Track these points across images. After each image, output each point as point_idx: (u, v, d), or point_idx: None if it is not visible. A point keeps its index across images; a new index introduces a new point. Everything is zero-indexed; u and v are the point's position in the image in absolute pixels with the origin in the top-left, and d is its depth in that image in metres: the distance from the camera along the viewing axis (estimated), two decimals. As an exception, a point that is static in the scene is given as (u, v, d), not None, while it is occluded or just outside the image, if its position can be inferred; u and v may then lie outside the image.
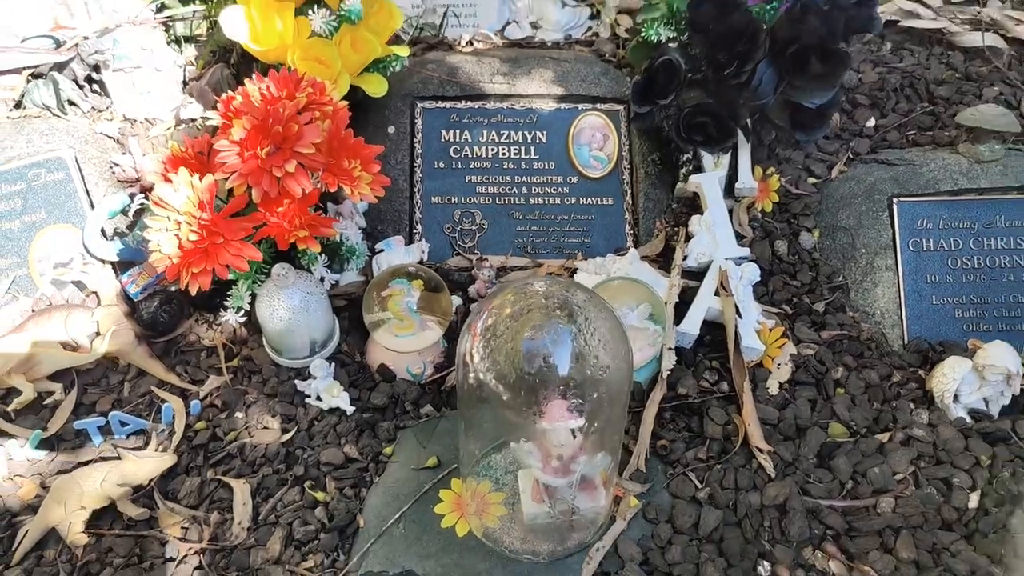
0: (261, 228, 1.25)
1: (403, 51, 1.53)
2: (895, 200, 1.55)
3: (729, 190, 1.63)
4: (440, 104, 1.65)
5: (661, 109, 1.49)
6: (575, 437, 1.00)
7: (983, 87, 1.84)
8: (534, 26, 2.04)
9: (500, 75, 1.68)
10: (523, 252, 1.59)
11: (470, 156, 1.63)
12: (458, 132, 1.64)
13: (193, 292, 1.23)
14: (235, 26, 1.40)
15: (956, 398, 1.32)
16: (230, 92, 1.28)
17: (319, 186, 1.27)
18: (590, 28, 2.07)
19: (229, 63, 1.70)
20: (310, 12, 1.41)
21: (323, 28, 1.42)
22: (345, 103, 1.34)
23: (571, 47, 1.97)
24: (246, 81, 1.27)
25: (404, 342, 1.35)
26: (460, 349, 0.97)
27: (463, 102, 1.66)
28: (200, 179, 1.21)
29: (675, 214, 1.66)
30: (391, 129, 1.61)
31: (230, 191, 1.23)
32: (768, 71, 1.34)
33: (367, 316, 1.33)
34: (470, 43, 1.97)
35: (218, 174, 1.22)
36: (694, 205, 1.61)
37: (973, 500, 1.18)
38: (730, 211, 1.63)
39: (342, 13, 1.41)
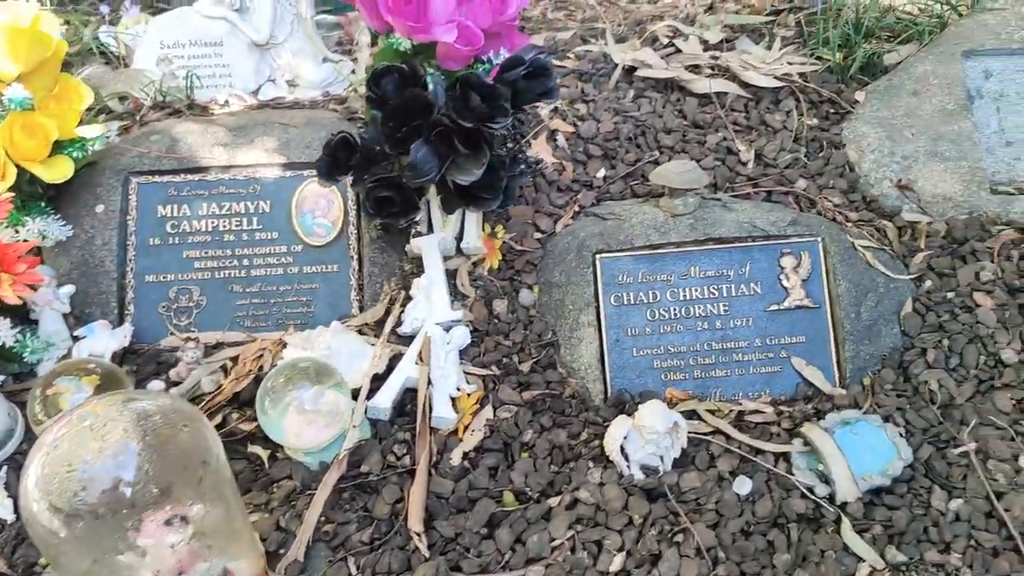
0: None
1: (94, 130, 1.49)
2: (597, 256, 1.57)
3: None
4: (157, 179, 1.62)
5: (356, 182, 1.49)
6: (176, 549, 0.99)
7: (708, 134, 1.88)
8: (291, 84, 2.02)
9: (222, 145, 1.65)
10: (243, 326, 1.57)
11: (188, 231, 1.60)
12: (176, 207, 1.61)
13: None
14: None
15: (627, 455, 1.35)
16: None
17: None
18: (351, 84, 2.05)
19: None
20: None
21: (-8, 118, 1.37)
22: (9, 198, 1.29)
23: (327, 105, 1.95)
24: None
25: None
26: (21, 502, 0.93)
27: (181, 175, 1.62)
28: None
29: (405, 276, 1.65)
30: (99, 208, 1.57)
31: None
32: (423, 149, 1.34)
33: (31, 419, 1.29)
34: (226, 103, 1.93)
35: None
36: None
37: (617, 562, 1.20)
38: (456, 271, 1.64)
39: (8, 102, 1.36)
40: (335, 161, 1.38)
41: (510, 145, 1.53)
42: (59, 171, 1.44)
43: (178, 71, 1.87)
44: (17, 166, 1.37)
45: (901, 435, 1.40)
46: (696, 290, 1.56)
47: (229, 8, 1.89)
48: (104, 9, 2.10)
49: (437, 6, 1.44)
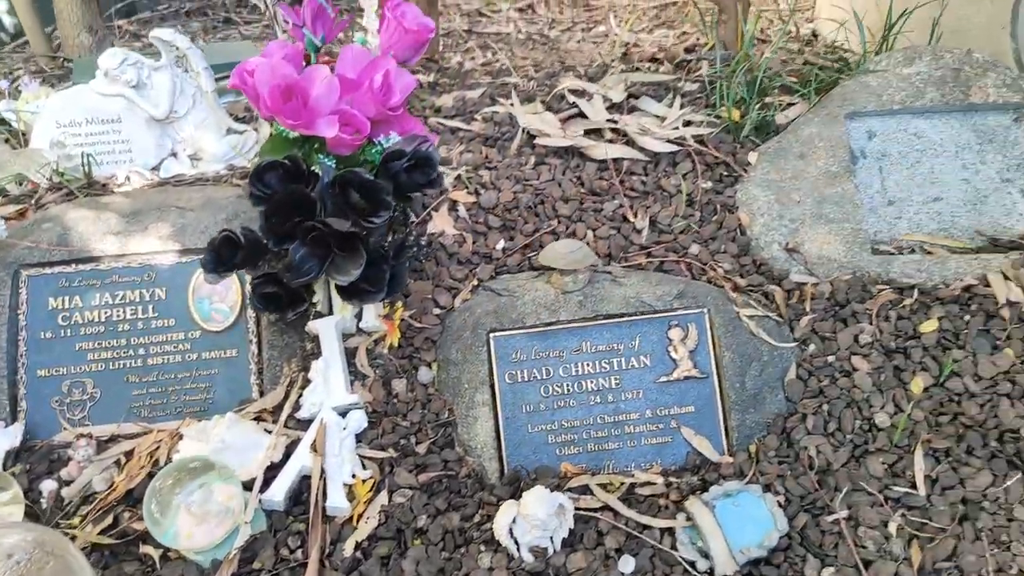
0: None
1: (-17, 233, 1.47)
2: (491, 334, 1.60)
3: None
4: (48, 270, 1.60)
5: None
6: None
7: (605, 201, 1.93)
8: (194, 158, 2.00)
9: (115, 233, 1.64)
10: (140, 417, 1.56)
11: (81, 322, 1.58)
12: (67, 298, 1.59)
13: None
14: None
15: (516, 539, 1.37)
16: None
17: None
18: (256, 155, 2.04)
19: None
20: None
21: None
22: None
23: (231, 179, 1.94)
24: None
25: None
26: None
27: (73, 265, 1.61)
28: None
29: (305, 356, 1.66)
30: (-10, 305, 1.54)
31: None
32: (302, 251, 1.35)
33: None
34: (127, 179, 1.91)
35: None
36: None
37: (502, 654, 1.22)
38: (356, 350, 1.65)
39: None
40: (219, 259, 1.39)
41: (396, 235, 1.55)
42: (-62, 276, 1.42)
43: (74, 151, 1.84)
44: None
45: (780, 504, 1.45)
46: (588, 365, 1.60)
47: (126, 85, 1.87)
48: (3, 84, 2.06)
49: (319, 101, 1.45)
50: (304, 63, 1.60)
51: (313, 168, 1.51)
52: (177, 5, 3.72)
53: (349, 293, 1.44)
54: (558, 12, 4.71)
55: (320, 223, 1.33)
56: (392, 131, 1.60)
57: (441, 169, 1.97)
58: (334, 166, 1.55)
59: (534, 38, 4.12)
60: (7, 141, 1.97)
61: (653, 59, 2.87)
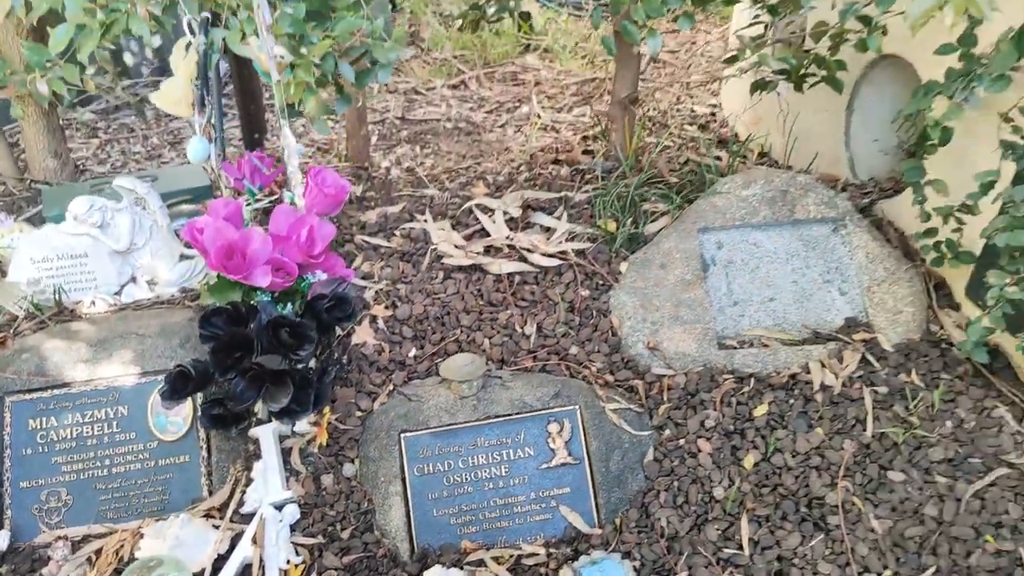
0: None
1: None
2: (402, 435, 1.91)
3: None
4: (28, 396, 1.86)
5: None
6: None
7: (500, 311, 2.26)
8: (151, 283, 2.28)
9: (85, 361, 1.91)
10: (107, 519, 1.81)
11: (56, 439, 1.84)
12: (45, 419, 1.85)
13: None
14: None
15: (421, 610, 1.66)
16: None
17: None
18: (205, 274, 2.33)
19: None
20: None
21: None
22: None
23: (184, 303, 2.22)
24: None
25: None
26: None
27: (50, 391, 1.87)
28: None
29: (249, 457, 1.94)
30: (-22, 429, 1.79)
31: None
32: (242, 384, 1.65)
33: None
34: (92, 304, 2.18)
35: None
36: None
37: None
38: (291, 450, 1.94)
39: None
40: (175, 389, 1.67)
41: (320, 362, 1.85)
42: (-62, 414, 1.67)
43: (47, 283, 2.10)
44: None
45: (635, 568, 1.77)
46: (482, 457, 1.91)
47: (92, 226, 2.15)
48: (-21, 223, 2.32)
49: (255, 255, 1.76)
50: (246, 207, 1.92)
51: (252, 302, 1.81)
52: (124, 97, 3.99)
53: (281, 414, 1.74)
54: (488, 88, 5.09)
55: (256, 364, 1.63)
56: (319, 270, 1.91)
57: (364, 283, 2.29)
58: (270, 299, 1.86)
59: (460, 126, 4.47)
60: (-15, 273, 2.22)
61: (555, 161, 3.26)
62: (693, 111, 4.26)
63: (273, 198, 2.19)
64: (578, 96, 4.94)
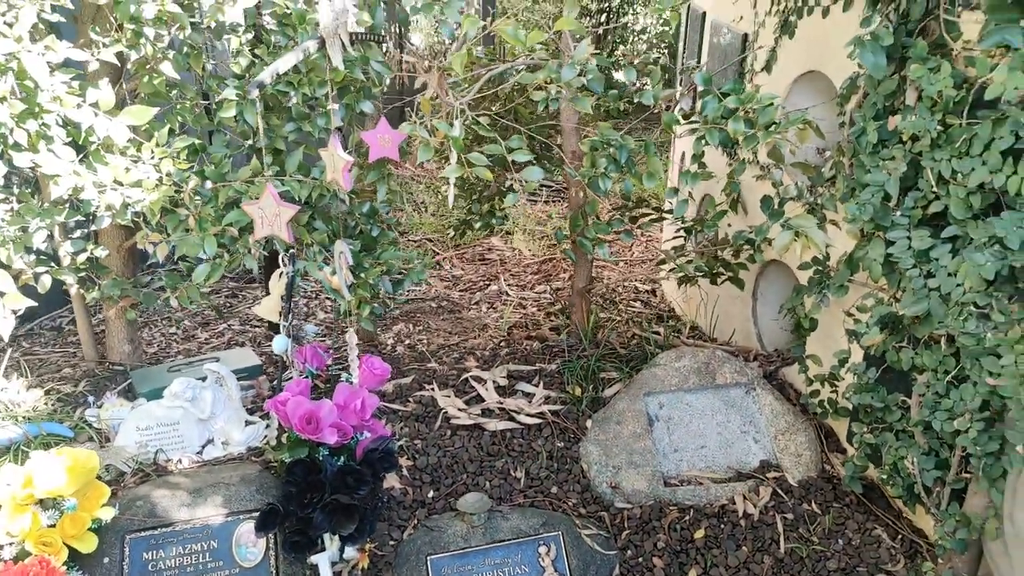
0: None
1: (108, 513, 2.21)
2: (428, 557, 2.40)
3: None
4: (142, 534, 2.32)
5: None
6: None
7: (496, 460, 2.82)
8: (224, 444, 2.80)
9: (186, 505, 2.39)
10: (200, 631, 2.24)
11: (163, 568, 2.29)
12: (155, 552, 2.30)
13: None
14: (-11, 530, 2.03)
15: None
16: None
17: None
18: (265, 437, 2.86)
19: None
20: (45, 510, 2.07)
21: (51, 519, 2.07)
22: (65, 568, 1.98)
23: (250, 459, 2.73)
24: (-5, 579, 1.88)
25: None
26: None
27: (159, 529, 2.34)
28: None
29: (309, 580, 2.39)
30: (106, 560, 2.25)
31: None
32: (320, 515, 2.17)
33: None
34: (180, 462, 2.68)
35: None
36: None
37: None
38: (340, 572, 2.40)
39: (63, 509, 2.08)
40: (265, 522, 2.17)
41: (371, 496, 2.38)
42: (90, 544, 2.13)
43: (149, 446, 2.61)
44: (65, 543, 2.07)
45: (609, 656, 2.24)
46: (489, 573, 2.40)
47: (184, 400, 2.70)
48: (91, 399, 2.85)
49: (324, 420, 2.33)
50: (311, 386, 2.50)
51: (317, 458, 2.35)
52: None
53: (348, 539, 2.24)
54: (460, 268, 5.79)
55: (333, 499, 2.16)
56: (366, 431, 2.47)
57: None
58: (328, 453, 2.40)
59: (443, 304, 5.12)
60: (92, 439, 2.72)
61: (529, 337, 3.93)
62: (636, 288, 5.03)
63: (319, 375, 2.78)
64: (538, 274, 5.69)
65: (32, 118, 2.09)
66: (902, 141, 2.20)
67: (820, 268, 2.68)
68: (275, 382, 3.09)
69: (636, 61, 2.71)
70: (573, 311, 3.69)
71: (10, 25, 2.17)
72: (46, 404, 2.90)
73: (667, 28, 8.97)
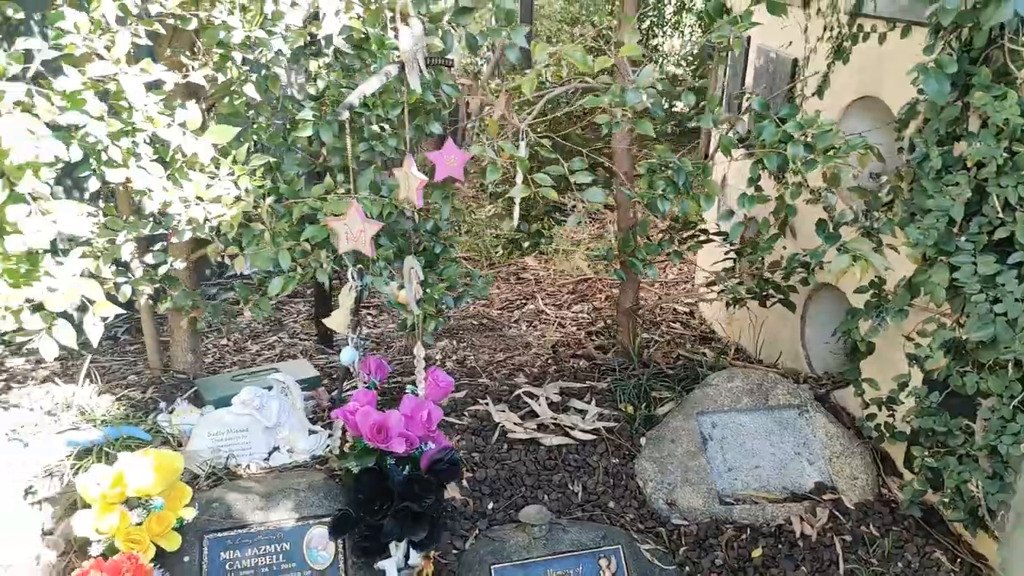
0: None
1: (190, 513, 2.29)
2: (492, 566, 2.44)
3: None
4: (219, 535, 2.39)
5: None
6: None
7: (554, 475, 2.86)
8: (290, 451, 2.88)
9: (260, 509, 2.47)
10: (274, 632, 2.30)
11: (239, 568, 2.36)
12: (231, 552, 2.38)
13: None
14: (83, 525, 2.12)
15: None
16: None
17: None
18: (328, 446, 2.93)
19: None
20: (132, 508, 2.15)
21: (139, 518, 2.16)
22: (152, 565, 2.06)
23: (315, 467, 2.81)
24: (91, 570, 1.96)
25: None
26: None
27: (235, 531, 2.41)
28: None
29: (375, 584, 2.45)
30: (186, 559, 2.32)
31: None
32: (391, 522, 2.23)
33: None
34: (248, 468, 2.76)
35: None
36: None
37: None
38: (406, 579, 2.45)
39: (150, 508, 2.16)
40: (339, 526, 2.24)
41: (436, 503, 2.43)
42: (174, 543, 2.21)
43: (220, 451, 2.70)
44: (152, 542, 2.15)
45: (670, 670, 2.26)
46: (551, 585, 2.44)
47: (251, 408, 2.79)
48: (163, 405, 2.95)
49: (392, 429, 2.39)
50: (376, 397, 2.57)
51: (385, 466, 2.42)
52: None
53: (418, 545, 2.29)
54: (496, 287, 5.83)
55: (404, 507, 2.22)
56: (430, 441, 2.53)
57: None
58: (394, 462, 2.47)
59: (483, 322, 5.17)
60: (167, 443, 2.81)
61: (575, 356, 3.97)
62: (675, 309, 5.06)
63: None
64: (574, 294, 5.73)
65: (125, 136, 2.20)
66: (966, 167, 2.23)
67: (877, 292, 2.70)
68: (334, 392, 3.18)
69: (694, 86, 2.78)
70: (619, 331, 3.73)
71: (108, 48, 2.30)
72: (119, 409, 3.01)
73: (693, 50, 9.06)
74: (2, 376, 3.38)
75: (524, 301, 5.54)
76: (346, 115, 2.15)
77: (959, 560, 2.58)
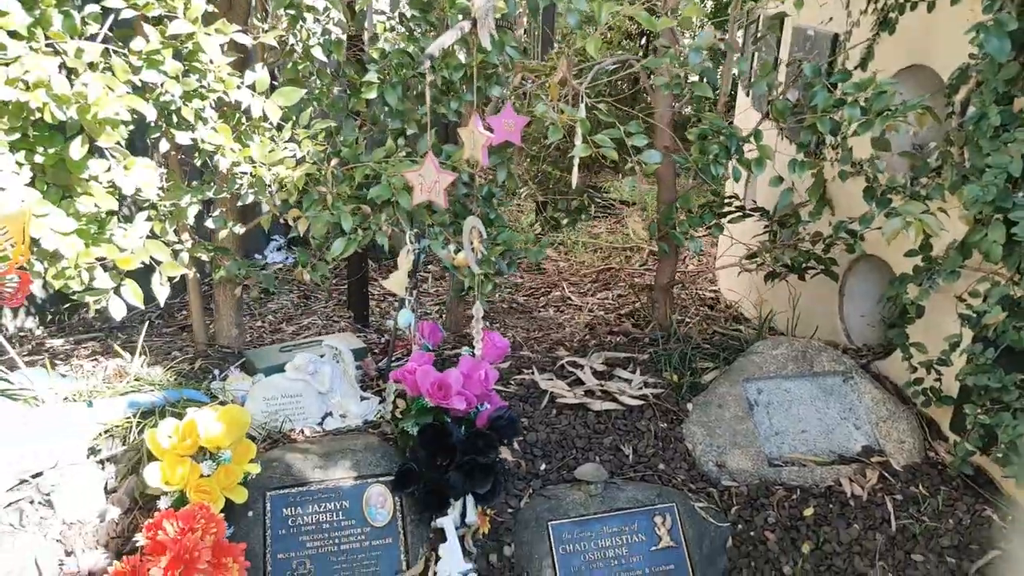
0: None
1: (255, 468, 2.31)
2: (549, 523, 2.46)
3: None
4: (281, 491, 2.41)
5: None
6: None
7: (604, 438, 2.87)
8: (342, 416, 2.90)
9: (319, 467, 2.49)
10: (338, 584, 2.32)
11: (301, 524, 2.38)
12: (293, 508, 2.40)
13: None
14: (154, 477, 2.14)
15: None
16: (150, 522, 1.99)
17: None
18: (379, 412, 2.95)
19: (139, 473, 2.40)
20: (200, 461, 2.18)
21: (208, 470, 2.18)
22: (222, 515, 2.08)
23: (367, 431, 2.83)
24: (163, 519, 1.98)
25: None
26: None
27: (296, 488, 2.43)
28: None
29: (433, 541, 2.46)
30: (250, 513, 2.34)
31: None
32: (456, 475, 2.24)
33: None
34: (302, 432, 2.78)
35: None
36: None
37: None
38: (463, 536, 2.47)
39: (219, 460, 2.18)
40: (402, 480, 2.26)
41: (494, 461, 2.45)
42: (241, 496, 2.23)
43: (275, 415, 2.72)
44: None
45: (730, 622, 2.26)
46: (607, 540, 2.45)
47: (305, 373, 2.81)
48: (216, 372, 2.98)
49: (451, 387, 2.41)
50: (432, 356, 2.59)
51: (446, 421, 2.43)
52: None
53: (481, 497, 2.31)
54: (519, 277, 5.84)
55: (469, 459, 2.23)
56: (486, 402, 2.55)
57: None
58: (450, 421, 2.48)
59: (513, 306, 5.19)
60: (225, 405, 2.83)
61: (611, 332, 3.98)
62: (700, 296, 5.06)
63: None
64: (597, 283, 5.73)
65: (198, 98, 2.23)
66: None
67: (928, 256, 2.71)
68: (382, 362, 3.20)
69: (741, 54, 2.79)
70: (656, 306, 3.74)
71: (186, 8, 2.31)
72: (171, 378, 3.03)
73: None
74: (43, 356, 3.41)
75: (549, 289, 5.55)
76: (428, 64, 2.16)
77: (1010, 518, 2.58)
